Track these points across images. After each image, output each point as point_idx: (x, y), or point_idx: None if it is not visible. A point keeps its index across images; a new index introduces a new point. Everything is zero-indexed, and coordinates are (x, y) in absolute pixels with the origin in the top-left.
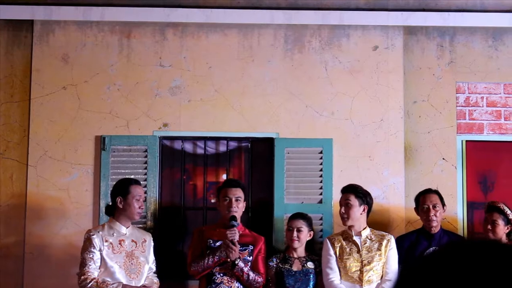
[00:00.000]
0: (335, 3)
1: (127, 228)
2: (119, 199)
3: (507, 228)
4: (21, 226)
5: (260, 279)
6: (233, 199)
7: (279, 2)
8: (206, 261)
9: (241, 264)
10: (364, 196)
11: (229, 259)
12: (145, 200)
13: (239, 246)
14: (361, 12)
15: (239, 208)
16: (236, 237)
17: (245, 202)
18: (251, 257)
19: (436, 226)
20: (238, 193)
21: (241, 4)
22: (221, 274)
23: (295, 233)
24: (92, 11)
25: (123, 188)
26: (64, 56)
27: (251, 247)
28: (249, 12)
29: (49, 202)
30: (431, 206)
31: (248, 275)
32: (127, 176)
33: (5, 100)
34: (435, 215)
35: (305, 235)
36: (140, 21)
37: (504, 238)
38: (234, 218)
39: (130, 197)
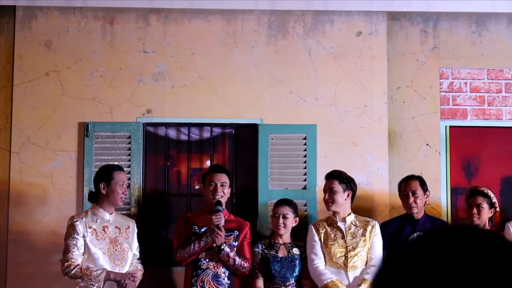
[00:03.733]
0: None
1: (110, 214)
2: (102, 185)
3: (491, 212)
4: (4, 213)
5: (246, 264)
6: (219, 185)
7: None
8: (192, 247)
9: (227, 249)
10: (348, 182)
11: (215, 244)
12: (128, 187)
13: (224, 231)
14: None
15: (224, 194)
16: (222, 222)
17: (229, 188)
18: (236, 243)
19: (418, 212)
20: (223, 178)
21: None
22: (207, 260)
23: (281, 220)
24: None
25: (106, 174)
26: (47, 42)
27: (236, 233)
28: None
29: (32, 189)
30: (410, 193)
31: (234, 260)
32: (110, 163)
33: None
34: (415, 202)
35: (291, 221)
36: (123, 7)
37: (487, 223)
38: (219, 203)
39: (113, 183)
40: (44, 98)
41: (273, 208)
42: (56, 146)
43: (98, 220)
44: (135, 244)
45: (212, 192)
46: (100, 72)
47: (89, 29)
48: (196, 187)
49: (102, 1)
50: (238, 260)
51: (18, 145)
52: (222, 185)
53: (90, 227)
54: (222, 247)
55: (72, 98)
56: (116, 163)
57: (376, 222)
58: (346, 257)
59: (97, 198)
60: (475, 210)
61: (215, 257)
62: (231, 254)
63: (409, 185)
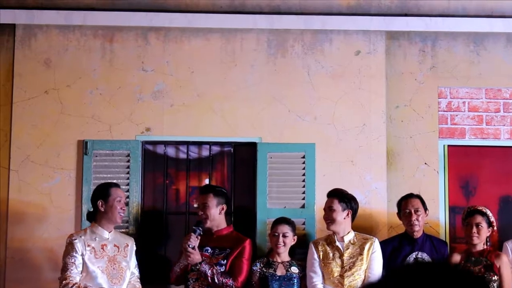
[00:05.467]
0: (318, 8)
1: (109, 232)
2: (100, 202)
3: (489, 231)
4: (3, 230)
5: (230, 282)
6: (201, 206)
7: (261, 6)
8: (175, 267)
9: (203, 268)
10: (348, 201)
11: (189, 265)
12: (127, 204)
13: (197, 251)
14: (343, 16)
15: (210, 215)
16: (193, 243)
17: (223, 206)
18: (225, 261)
19: (418, 231)
20: (205, 199)
21: (223, 9)
22: (193, 279)
23: (280, 238)
24: (74, 15)
25: (103, 191)
26: (46, 60)
27: (228, 251)
28: (232, 16)
29: (31, 206)
30: (413, 211)
31: (213, 279)
32: (108, 181)
33: None
34: (417, 220)
35: (290, 240)
36: (122, 26)
37: (484, 242)
38: (198, 223)
39: (111, 200)
40: (43, 116)
41: (271, 226)
42: (55, 164)
43: (97, 238)
44: (134, 262)
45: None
46: (99, 90)
47: (89, 47)
48: (195, 205)
49: (102, 20)
50: (219, 278)
51: (17, 163)
52: (204, 206)
53: (89, 245)
54: (197, 267)
55: (71, 116)
56: (114, 181)
57: (376, 239)
58: (342, 276)
59: (96, 217)
60: (474, 229)
61: (202, 277)
62: (209, 273)
63: (411, 202)
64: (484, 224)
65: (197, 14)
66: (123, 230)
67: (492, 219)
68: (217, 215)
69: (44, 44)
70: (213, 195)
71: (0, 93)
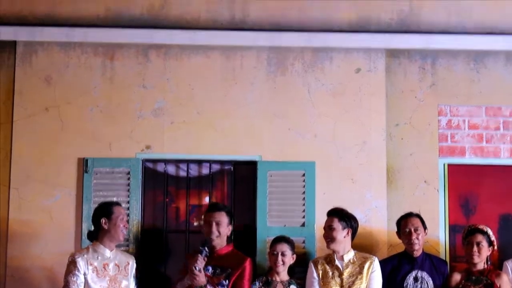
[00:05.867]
0: (318, 24)
1: (111, 251)
2: (103, 220)
3: (489, 250)
4: (3, 248)
5: None
6: (214, 223)
7: (262, 23)
8: (178, 286)
9: None
10: (348, 220)
11: (193, 286)
12: (128, 222)
13: (202, 273)
14: (344, 34)
15: (220, 233)
16: (199, 266)
17: (229, 226)
18: (227, 281)
19: (418, 250)
20: (219, 217)
21: (224, 25)
22: None
23: (279, 257)
24: (75, 32)
25: (106, 209)
26: (47, 77)
27: (229, 270)
28: (232, 33)
29: (31, 224)
30: (412, 230)
31: None
32: (109, 199)
33: None
34: (417, 239)
35: (289, 258)
36: (123, 43)
37: (484, 261)
38: (204, 243)
39: (114, 217)
40: (44, 133)
41: (270, 245)
42: (55, 181)
43: (99, 257)
44: (133, 281)
45: (206, 231)
46: (99, 108)
47: (89, 64)
48: (195, 223)
49: (102, 36)
50: None
51: (18, 181)
52: (217, 224)
53: (91, 264)
54: None
55: (71, 133)
56: (114, 199)
57: (376, 258)
58: None
59: (98, 235)
60: (475, 248)
61: None
62: None
63: (410, 221)
64: (484, 243)
65: (197, 31)
66: (123, 248)
67: (493, 238)
68: (226, 234)
69: (45, 61)
70: (226, 213)
71: (1, 111)
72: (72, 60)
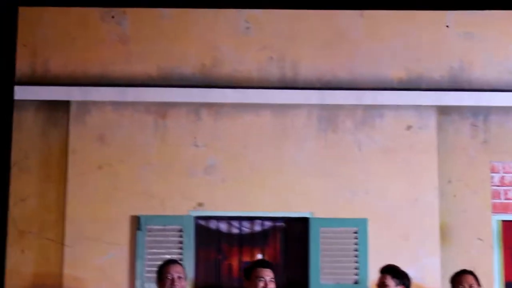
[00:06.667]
0: (369, 83)
1: None
2: (157, 282)
3: None
4: None
5: None
6: (268, 280)
7: (312, 81)
8: None
9: None
10: (402, 277)
11: None
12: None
13: None
14: (394, 92)
15: None
16: None
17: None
18: None
19: None
20: (271, 274)
21: (275, 84)
22: None
23: None
24: (127, 91)
25: (158, 271)
26: (100, 136)
27: None
28: (283, 92)
29: (85, 282)
30: (467, 287)
31: None
32: (161, 256)
33: (42, 180)
34: None
35: None
36: (175, 102)
37: None
38: None
39: (163, 278)
40: (97, 191)
41: None
42: (109, 239)
43: None
44: None
45: None
46: (152, 166)
47: (142, 123)
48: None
49: (154, 96)
50: None
51: (72, 239)
52: (271, 281)
53: None
54: None
55: (124, 191)
56: (167, 256)
57: None
58: None
59: None
60: None
61: None
62: None
63: (465, 279)
64: None
65: (248, 90)
66: None
67: None
68: None
69: (98, 120)
70: (271, 270)
71: (55, 169)
72: (124, 119)
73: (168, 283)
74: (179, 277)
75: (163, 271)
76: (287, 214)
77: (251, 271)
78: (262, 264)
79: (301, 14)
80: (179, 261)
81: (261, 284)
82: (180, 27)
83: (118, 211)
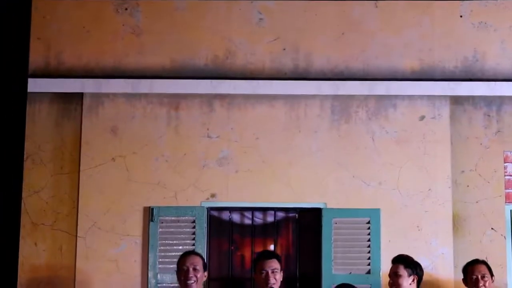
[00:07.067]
0: (382, 73)
1: None
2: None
3: None
4: None
5: None
6: (269, 271)
7: (325, 72)
8: None
9: None
10: (414, 267)
11: None
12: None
13: None
14: (407, 82)
15: (276, 280)
16: None
17: (281, 273)
18: None
19: None
20: (274, 264)
21: (287, 75)
22: None
23: None
24: (140, 83)
25: (177, 263)
26: (113, 128)
27: None
28: (296, 83)
29: (98, 273)
30: (479, 277)
31: None
32: (174, 247)
33: (55, 172)
34: (484, 286)
35: None
36: (188, 93)
37: None
38: None
39: (180, 269)
40: (110, 183)
41: None
42: (122, 230)
43: None
44: None
45: (264, 280)
46: (165, 157)
47: (155, 115)
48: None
49: (167, 88)
50: None
51: (84, 230)
52: (273, 272)
53: None
54: None
55: (137, 182)
56: (180, 247)
57: None
58: None
59: None
60: None
61: None
62: None
63: (477, 268)
64: None
65: (261, 81)
66: None
67: None
68: (279, 280)
69: (111, 112)
70: (277, 260)
71: (68, 161)
72: (137, 111)
73: (183, 274)
74: (195, 269)
75: (180, 262)
76: (299, 204)
77: (256, 263)
78: (266, 255)
79: (314, 4)
80: (198, 253)
81: (263, 276)
82: (193, 19)
83: (131, 203)
